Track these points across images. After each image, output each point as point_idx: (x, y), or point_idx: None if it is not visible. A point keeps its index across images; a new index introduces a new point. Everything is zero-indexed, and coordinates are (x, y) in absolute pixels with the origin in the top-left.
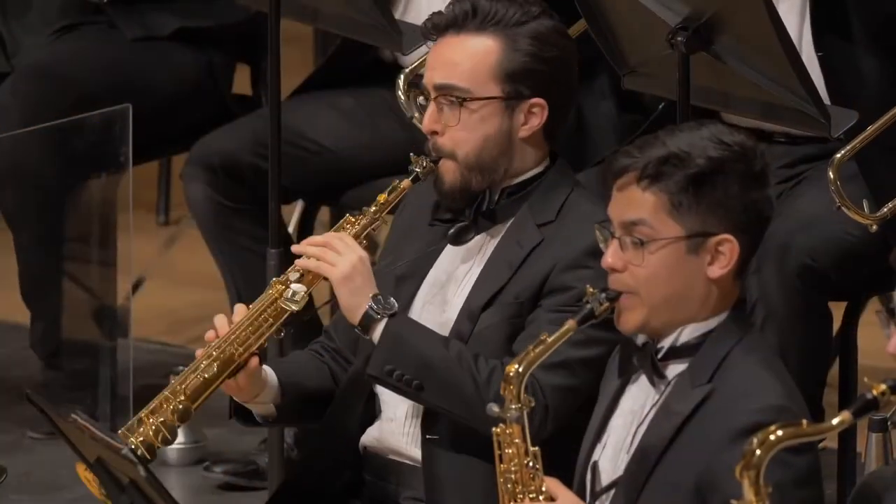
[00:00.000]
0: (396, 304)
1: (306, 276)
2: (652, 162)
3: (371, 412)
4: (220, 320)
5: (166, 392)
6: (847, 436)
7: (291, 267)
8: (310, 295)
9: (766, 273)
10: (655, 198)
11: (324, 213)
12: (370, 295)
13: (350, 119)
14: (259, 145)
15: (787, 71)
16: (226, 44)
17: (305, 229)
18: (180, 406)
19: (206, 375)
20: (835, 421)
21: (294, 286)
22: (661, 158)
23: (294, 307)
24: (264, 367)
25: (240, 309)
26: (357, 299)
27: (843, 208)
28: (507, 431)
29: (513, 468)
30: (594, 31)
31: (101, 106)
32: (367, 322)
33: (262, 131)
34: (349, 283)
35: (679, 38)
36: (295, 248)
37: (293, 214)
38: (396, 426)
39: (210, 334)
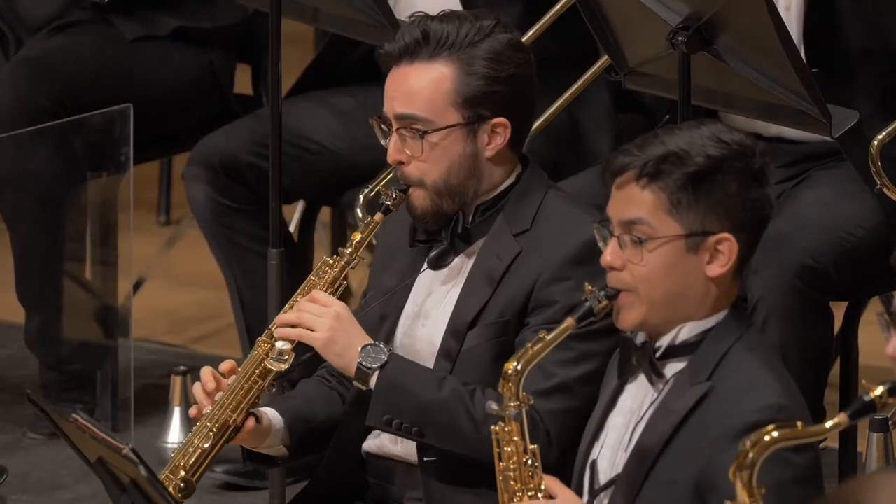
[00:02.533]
0: (387, 351)
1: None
2: (651, 160)
3: None
4: (206, 374)
5: (166, 471)
6: (848, 435)
7: (274, 323)
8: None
9: (767, 273)
10: (654, 196)
11: (324, 213)
12: (358, 349)
13: (350, 119)
14: (259, 145)
15: (788, 71)
16: (226, 44)
17: (306, 229)
18: (182, 483)
19: (205, 446)
20: (829, 423)
21: (279, 344)
22: (660, 157)
23: (281, 366)
24: (267, 410)
25: (227, 365)
26: (345, 359)
27: (884, 189)
28: (506, 429)
29: (511, 466)
30: (594, 31)
31: (98, 97)
32: (362, 377)
33: (262, 131)
34: (332, 345)
35: (680, 38)
36: (277, 320)
37: (294, 214)
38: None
39: (193, 410)
